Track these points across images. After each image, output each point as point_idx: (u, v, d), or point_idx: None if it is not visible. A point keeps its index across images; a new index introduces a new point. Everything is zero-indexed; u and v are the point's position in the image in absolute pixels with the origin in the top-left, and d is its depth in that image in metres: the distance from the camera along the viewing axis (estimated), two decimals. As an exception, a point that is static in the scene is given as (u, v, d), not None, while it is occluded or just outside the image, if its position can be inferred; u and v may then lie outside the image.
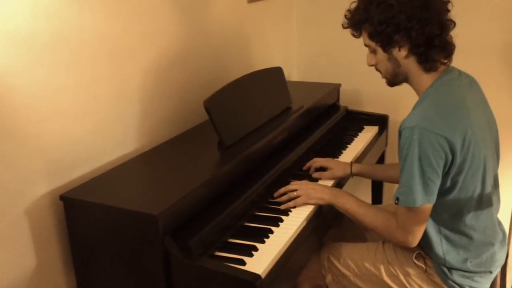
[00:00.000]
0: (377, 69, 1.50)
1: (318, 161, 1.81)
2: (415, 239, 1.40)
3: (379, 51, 1.43)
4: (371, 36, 1.42)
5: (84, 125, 1.47)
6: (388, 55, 1.43)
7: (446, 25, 1.38)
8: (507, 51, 2.30)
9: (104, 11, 1.48)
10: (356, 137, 2.16)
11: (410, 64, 1.42)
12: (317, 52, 2.71)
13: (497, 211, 1.53)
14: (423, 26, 1.34)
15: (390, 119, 2.34)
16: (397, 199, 1.37)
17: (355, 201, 1.54)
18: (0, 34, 1.21)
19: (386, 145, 2.38)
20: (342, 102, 2.41)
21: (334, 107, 2.33)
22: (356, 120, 2.33)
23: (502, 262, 1.55)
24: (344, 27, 1.50)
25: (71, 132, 1.43)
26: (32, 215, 1.35)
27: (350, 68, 2.59)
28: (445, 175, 1.34)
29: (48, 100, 1.35)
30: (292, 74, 2.72)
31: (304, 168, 1.81)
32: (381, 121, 2.31)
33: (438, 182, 1.33)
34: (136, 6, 1.60)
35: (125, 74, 1.60)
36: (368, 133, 2.21)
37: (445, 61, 1.42)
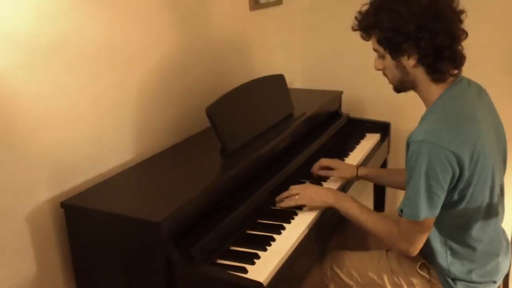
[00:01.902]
0: (384, 74, 1.48)
1: (325, 161, 1.82)
2: (416, 249, 1.40)
3: (388, 57, 1.41)
4: (380, 42, 1.40)
5: (85, 131, 1.47)
6: (396, 63, 1.40)
7: (457, 36, 1.35)
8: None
9: (107, 18, 1.48)
10: (358, 144, 2.16)
11: (419, 74, 1.39)
12: (319, 59, 2.71)
13: (501, 221, 1.52)
14: (434, 37, 1.31)
15: (392, 126, 2.33)
16: (401, 210, 1.36)
17: (358, 206, 1.53)
18: (3, 39, 1.21)
19: (388, 153, 2.37)
20: (344, 109, 2.41)
21: (336, 114, 2.33)
22: (358, 128, 2.32)
23: (506, 271, 1.54)
24: (353, 29, 1.45)
25: (73, 138, 1.43)
26: (33, 222, 1.34)
27: (352, 75, 2.60)
28: (453, 189, 1.33)
29: (50, 107, 1.35)
30: (295, 81, 2.72)
31: (312, 169, 1.81)
32: (383, 128, 2.31)
33: (443, 196, 1.32)
34: (139, 13, 1.60)
35: (127, 81, 1.60)
36: (370, 141, 2.21)
37: (455, 72, 1.39)
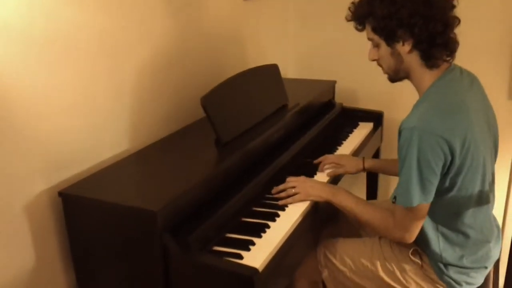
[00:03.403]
0: (379, 64, 1.49)
1: (329, 158, 1.82)
2: (412, 236, 1.42)
3: (383, 45, 1.42)
4: (374, 30, 1.41)
5: (82, 122, 1.47)
6: (392, 50, 1.41)
7: (450, 22, 1.36)
8: (508, 48, 2.31)
9: (101, 10, 1.48)
10: (351, 133, 2.18)
11: (413, 60, 1.40)
12: (313, 49, 2.72)
13: (492, 208, 1.54)
14: (426, 23, 1.33)
15: (385, 115, 2.35)
16: (395, 198, 1.38)
17: (353, 199, 1.55)
18: (-2, 31, 1.21)
19: (381, 142, 2.40)
20: (337, 99, 2.42)
21: (329, 104, 2.34)
22: (351, 117, 2.34)
23: (497, 257, 1.57)
24: (347, 20, 1.47)
25: (69, 129, 1.44)
26: (31, 212, 1.35)
27: (346, 65, 2.61)
28: (444, 175, 1.35)
29: (46, 98, 1.35)
30: (288, 71, 2.73)
31: (315, 162, 1.82)
32: (376, 117, 2.33)
33: (436, 182, 1.34)
34: (132, 4, 1.60)
35: (122, 72, 1.60)
36: (363, 130, 2.23)
37: (448, 58, 1.41)
